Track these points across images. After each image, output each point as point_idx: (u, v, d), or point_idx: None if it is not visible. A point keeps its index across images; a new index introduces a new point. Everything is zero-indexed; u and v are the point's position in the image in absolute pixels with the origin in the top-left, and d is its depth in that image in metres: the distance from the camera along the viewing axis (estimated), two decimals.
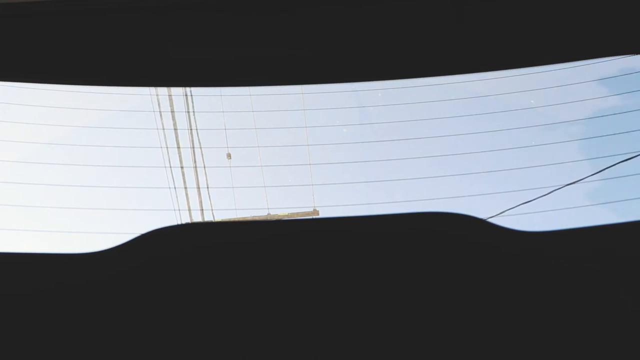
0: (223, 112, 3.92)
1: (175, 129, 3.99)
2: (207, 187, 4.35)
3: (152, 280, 1.11)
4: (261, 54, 1.61)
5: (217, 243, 1.14)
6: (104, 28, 1.59)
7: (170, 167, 4.05)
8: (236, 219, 3.70)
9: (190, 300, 1.09)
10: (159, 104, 3.96)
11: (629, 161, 3.48)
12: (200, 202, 4.45)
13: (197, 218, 4.59)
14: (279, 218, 5.18)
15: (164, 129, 4.05)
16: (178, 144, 4.13)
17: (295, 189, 4.58)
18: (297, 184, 4.38)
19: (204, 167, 4.22)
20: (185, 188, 4.10)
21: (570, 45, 1.61)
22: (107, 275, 1.14)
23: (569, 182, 3.53)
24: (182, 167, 4.04)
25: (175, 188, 4.09)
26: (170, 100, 3.90)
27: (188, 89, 3.98)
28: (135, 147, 4.05)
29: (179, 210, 4.19)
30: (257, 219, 5.17)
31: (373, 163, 4.14)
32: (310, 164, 4.06)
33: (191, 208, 4.25)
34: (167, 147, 4.05)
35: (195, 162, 4.03)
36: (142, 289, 1.11)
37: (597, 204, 3.75)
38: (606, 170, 3.52)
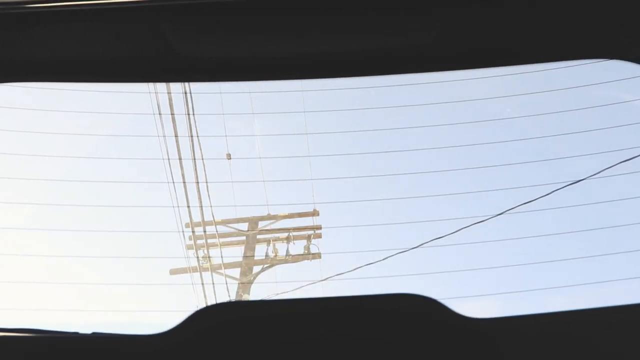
0: (223, 114, 3.93)
1: (176, 136, 3.98)
2: (208, 193, 4.35)
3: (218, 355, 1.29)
4: (262, 50, 1.64)
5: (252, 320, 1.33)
6: (105, 25, 1.60)
7: (171, 170, 4.03)
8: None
9: None
10: (159, 107, 3.95)
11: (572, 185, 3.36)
12: (201, 205, 4.45)
13: (197, 218, 4.59)
14: (279, 218, 5.16)
15: (164, 135, 4.03)
16: (179, 150, 4.11)
17: (295, 189, 4.59)
18: (296, 183, 4.38)
19: (205, 174, 4.20)
20: (186, 194, 4.10)
21: (547, 46, 1.63)
22: (177, 354, 1.29)
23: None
24: (182, 175, 4.02)
25: (176, 200, 4.07)
26: (170, 101, 3.89)
27: (188, 92, 3.97)
28: (134, 151, 4.02)
29: (179, 209, 4.18)
30: (257, 219, 5.16)
31: (372, 162, 4.15)
32: (310, 171, 4.05)
33: (191, 207, 4.25)
34: (167, 154, 4.02)
35: (195, 167, 4.02)
36: None
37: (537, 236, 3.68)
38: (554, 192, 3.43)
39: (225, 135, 3.96)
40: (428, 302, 1.29)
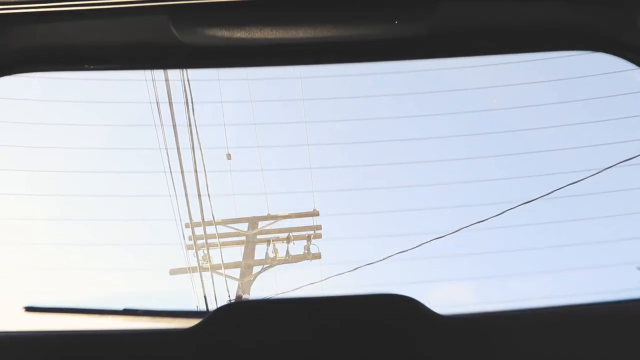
0: (221, 102, 3.95)
1: (175, 129, 4.00)
2: (208, 194, 4.35)
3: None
4: (261, 37, 1.66)
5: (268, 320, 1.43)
6: (107, 19, 1.63)
7: (170, 170, 4.05)
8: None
9: None
10: (158, 106, 3.97)
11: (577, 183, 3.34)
12: (201, 205, 4.45)
13: (197, 218, 4.58)
14: (279, 218, 5.16)
15: (162, 127, 4.05)
16: (178, 147, 4.13)
17: (295, 187, 4.57)
18: (296, 183, 4.38)
19: (204, 170, 4.21)
20: (186, 194, 4.11)
21: (530, 37, 1.66)
22: (201, 350, 1.37)
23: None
24: (182, 172, 4.04)
25: (175, 196, 4.09)
26: (169, 93, 3.91)
27: (187, 91, 3.98)
28: (133, 148, 4.03)
29: (178, 203, 4.18)
30: (257, 219, 5.15)
31: (370, 159, 4.16)
32: (310, 168, 4.06)
33: (191, 205, 4.25)
34: (166, 148, 4.04)
35: (195, 163, 4.04)
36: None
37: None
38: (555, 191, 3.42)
39: (224, 124, 3.97)
40: (408, 301, 1.33)
